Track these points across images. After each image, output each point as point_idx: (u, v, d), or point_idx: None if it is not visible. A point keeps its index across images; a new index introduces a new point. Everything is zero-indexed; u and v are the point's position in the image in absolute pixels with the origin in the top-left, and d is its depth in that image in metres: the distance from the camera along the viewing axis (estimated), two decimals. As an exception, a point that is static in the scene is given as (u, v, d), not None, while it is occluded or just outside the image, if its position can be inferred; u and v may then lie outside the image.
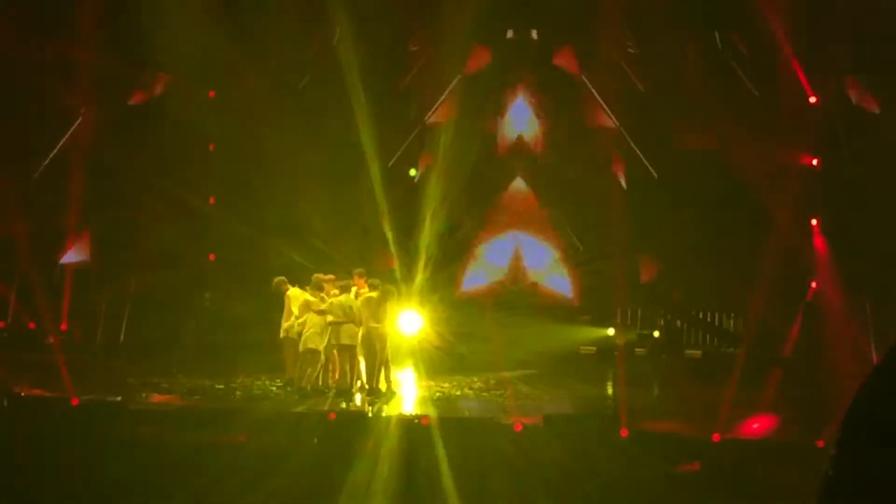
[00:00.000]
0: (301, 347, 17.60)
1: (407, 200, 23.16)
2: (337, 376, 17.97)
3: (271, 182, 23.24)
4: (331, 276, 18.21)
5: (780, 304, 21.25)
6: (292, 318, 17.74)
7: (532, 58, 24.06)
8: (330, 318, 17.54)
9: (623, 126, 23.16)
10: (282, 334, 18.00)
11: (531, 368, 20.88)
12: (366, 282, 18.09)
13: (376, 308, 17.72)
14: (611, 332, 23.96)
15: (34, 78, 22.94)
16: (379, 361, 17.80)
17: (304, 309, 17.59)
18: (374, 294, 17.80)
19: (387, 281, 19.16)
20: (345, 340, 17.58)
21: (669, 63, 22.98)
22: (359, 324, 17.60)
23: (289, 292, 17.99)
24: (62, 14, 22.65)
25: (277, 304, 18.29)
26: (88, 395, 16.40)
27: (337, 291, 17.89)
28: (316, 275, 18.19)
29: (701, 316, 25.02)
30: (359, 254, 21.66)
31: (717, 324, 24.86)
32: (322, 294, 17.79)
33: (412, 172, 24.39)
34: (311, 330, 17.50)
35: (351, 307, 17.65)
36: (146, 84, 24.05)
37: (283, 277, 18.35)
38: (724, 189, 22.57)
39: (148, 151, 23.47)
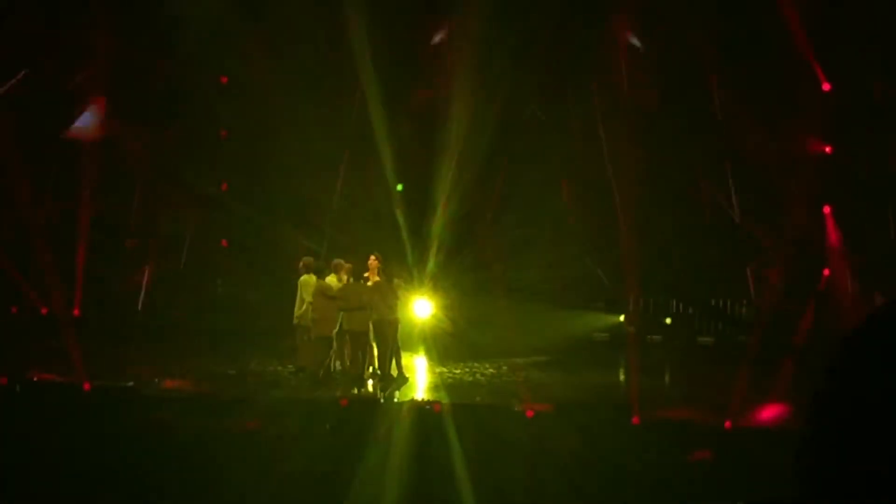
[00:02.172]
0: (313, 334, 17.59)
1: (420, 186, 23.14)
2: (349, 363, 18.00)
3: (284, 168, 23.25)
4: (344, 263, 18.15)
5: (792, 292, 21.21)
6: (305, 305, 17.72)
7: (543, 49, 23.94)
8: (341, 303, 17.52)
9: (636, 114, 23.05)
10: (294, 321, 18.00)
11: (543, 355, 20.91)
12: (379, 266, 18.02)
13: (388, 294, 17.71)
14: (623, 318, 23.98)
15: (46, 63, 22.98)
16: (390, 347, 17.81)
17: (316, 295, 17.56)
18: (385, 280, 17.78)
19: (399, 266, 19.21)
20: (356, 327, 17.55)
21: (681, 52, 22.86)
22: (370, 310, 17.58)
23: (302, 278, 17.97)
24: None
25: (289, 290, 18.30)
26: (100, 380, 16.45)
27: (347, 277, 17.85)
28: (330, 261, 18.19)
29: (713, 303, 25.00)
30: (370, 239, 21.70)
31: (728, 311, 24.84)
32: (334, 280, 17.76)
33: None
34: (323, 316, 17.48)
35: (362, 293, 17.62)
36: (159, 70, 24.04)
37: (309, 260, 18.32)
38: (736, 176, 22.55)
39: (160, 137, 23.54)
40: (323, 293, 17.51)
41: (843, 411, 2.12)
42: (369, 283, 17.71)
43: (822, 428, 2.16)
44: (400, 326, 18.21)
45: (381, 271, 17.83)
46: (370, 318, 17.59)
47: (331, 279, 17.70)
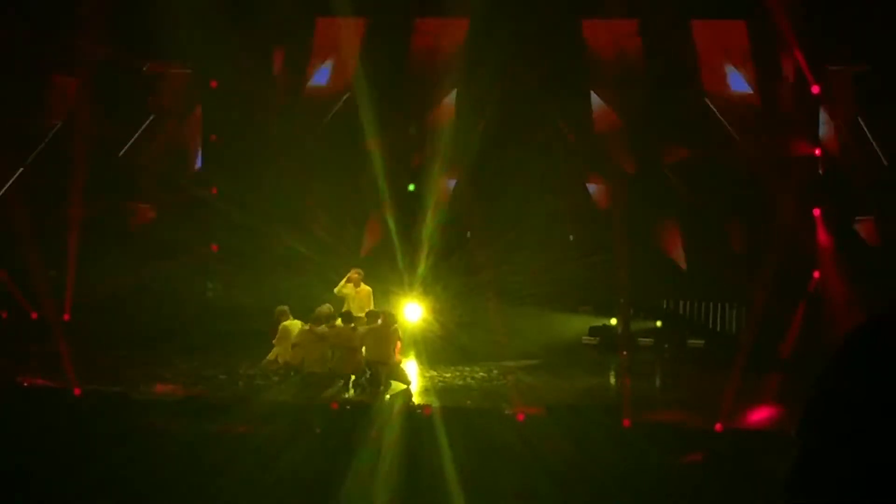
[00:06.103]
0: (304, 370, 17.54)
1: (410, 190, 23.17)
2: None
3: (274, 172, 23.24)
4: (332, 312, 18.19)
5: (781, 295, 21.20)
6: (288, 350, 17.76)
7: (535, 52, 23.92)
8: (333, 340, 17.54)
9: (625, 117, 23.08)
10: (263, 362, 18.07)
11: (534, 359, 20.89)
12: (360, 280, 18.22)
13: (382, 340, 17.70)
14: (613, 322, 23.96)
15: (37, 68, 22.98)
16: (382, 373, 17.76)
17: (303, 333, 17.62)
18: (377, 325, 17.74)
19: (390, 270, 19.25)
20: (348, 369, 17.61)
21: (671, 51, 22.89)
22: (360, 351, 17.61)
23: (285, 323, 17.98)
24: (63, 4, 22.60)
25: (280, 293, 18.29)
26: (91, 385, 16.40)
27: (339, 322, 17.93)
28: (319, 308, 18.14)
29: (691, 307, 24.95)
30: (360, 243, 21.73)
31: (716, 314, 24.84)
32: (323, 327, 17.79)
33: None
34: (313, 357, 17.48)
35: (352, 337, 17.61)
36: (149, 73, 24.05)
37: (285, 308, 18.32)
38: (725, 179, 22.57)
39: (150, 141, 23.55)
40: (312, 331, 17.53)
41: (835, 421, 2.12)
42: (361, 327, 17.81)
43: (814, 438, 2.17)
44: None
45: (377, 315, 17.94)
46: (361, 357, 17.60)
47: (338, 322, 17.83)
